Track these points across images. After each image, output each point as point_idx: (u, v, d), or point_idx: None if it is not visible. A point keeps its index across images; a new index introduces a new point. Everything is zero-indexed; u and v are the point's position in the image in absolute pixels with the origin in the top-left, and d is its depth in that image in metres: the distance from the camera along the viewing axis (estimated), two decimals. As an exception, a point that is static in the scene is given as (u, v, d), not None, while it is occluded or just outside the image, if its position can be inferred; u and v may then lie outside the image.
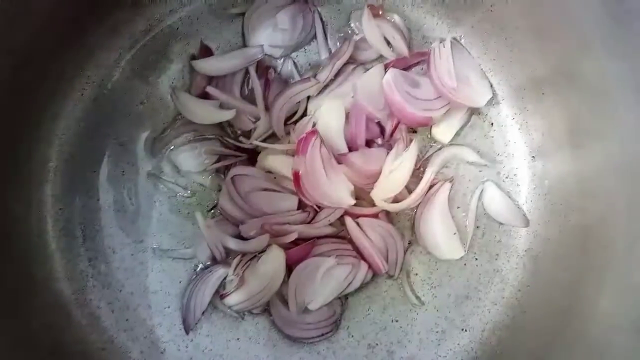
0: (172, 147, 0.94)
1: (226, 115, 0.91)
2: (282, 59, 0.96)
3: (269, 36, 0.95)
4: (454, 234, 0.93)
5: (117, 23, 0.92)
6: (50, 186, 0.92)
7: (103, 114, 0.94)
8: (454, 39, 0.94)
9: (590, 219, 0.84)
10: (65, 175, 0.92)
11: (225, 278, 0.90)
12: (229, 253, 0.90)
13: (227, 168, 0.92)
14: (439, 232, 0.92)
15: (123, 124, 0.94)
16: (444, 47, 0.92)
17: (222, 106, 0.92)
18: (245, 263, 0.89)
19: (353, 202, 0.87)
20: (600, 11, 0.74)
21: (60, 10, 0.82)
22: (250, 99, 0.94)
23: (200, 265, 0.92)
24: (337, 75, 0.93)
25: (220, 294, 0.90)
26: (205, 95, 0.93)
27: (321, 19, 0.96)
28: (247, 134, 0.94)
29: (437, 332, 0.93)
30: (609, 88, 0.76)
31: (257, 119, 0.93)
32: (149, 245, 0.93)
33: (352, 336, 0.93)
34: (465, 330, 0.93)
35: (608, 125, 0.79)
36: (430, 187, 0.93)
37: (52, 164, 0.92)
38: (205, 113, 0.91)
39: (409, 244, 0.94)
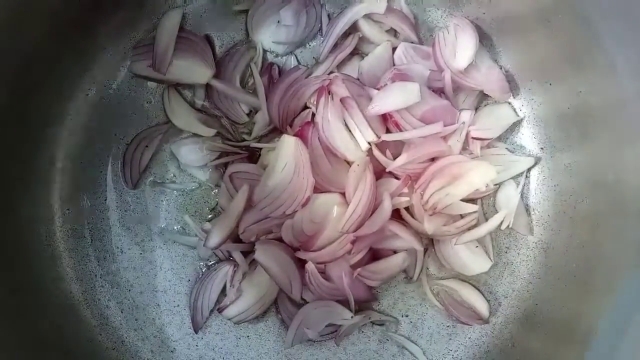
0: (176, 140, 0.93)
1: (205, 132, 0.92)
2: (286, 55, 0.96)
3: (273, 33, 0.94)
4: (476, 247, 0.90)
5: (122, 23, 0.91)
6: (57, 187, 0.92)
7: (109, 114, 0.93)
8: (457, 24, 0.92)
9: (600, 210, 0.83)
10: (72, 176, 0.92)
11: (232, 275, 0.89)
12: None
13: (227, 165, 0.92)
14: (462, 251, 0.90)
15: (129, 124, 0.94)
16: (448, 33, 0.91)
17: (207, 122, 0.93)
18: (242, 274, 0.89)
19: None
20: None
21: (65, 11, 0.82)
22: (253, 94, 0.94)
23: (206, 263, 0.92)
24: (338, 66, 0.93)
25: (217, 308, 0.90)
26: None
27: (328, 15, 0.96)
28: (242, 128, 0.93)
29: (447, 326, 0.93)
30: (618, 77, 0.76)
31: (252, 111, 0.93)
32: (157, 245, 0.93)
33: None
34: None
35: (617, 115, 0.78)
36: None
37: (59, 165, 0.92)
38: (188, 121, 0.92)
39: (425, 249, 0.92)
